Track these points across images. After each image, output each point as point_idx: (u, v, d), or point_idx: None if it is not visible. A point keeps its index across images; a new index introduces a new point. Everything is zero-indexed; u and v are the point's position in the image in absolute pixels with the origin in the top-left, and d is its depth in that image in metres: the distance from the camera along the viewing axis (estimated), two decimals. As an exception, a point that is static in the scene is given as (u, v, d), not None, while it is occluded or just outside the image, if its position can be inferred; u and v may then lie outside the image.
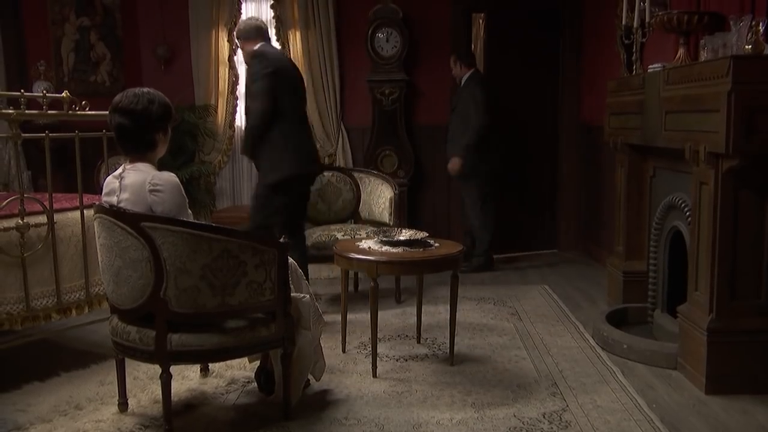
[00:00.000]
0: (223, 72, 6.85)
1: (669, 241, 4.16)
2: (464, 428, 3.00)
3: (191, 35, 6.87)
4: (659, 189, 4.37)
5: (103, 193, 2.99)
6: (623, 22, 4.68)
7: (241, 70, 6.89)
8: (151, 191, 2.82)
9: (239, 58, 6.87)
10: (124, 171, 2.94)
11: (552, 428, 2.99)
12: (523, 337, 4.27)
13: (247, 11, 6.89)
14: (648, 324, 4.32)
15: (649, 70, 4.20)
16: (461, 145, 5.91)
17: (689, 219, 3.69)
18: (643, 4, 4.39)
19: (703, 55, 3.70)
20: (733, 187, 3.31)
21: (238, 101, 6.91)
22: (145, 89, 2.96)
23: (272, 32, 6.79)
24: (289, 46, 6.74)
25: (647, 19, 4.33)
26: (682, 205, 3.85)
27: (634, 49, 4.69)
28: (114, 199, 2.91)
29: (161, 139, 2.98)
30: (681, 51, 4.02)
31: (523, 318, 4.68)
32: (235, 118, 6.93)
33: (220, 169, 7.02)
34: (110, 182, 2.98)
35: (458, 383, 3.52)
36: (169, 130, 3.02)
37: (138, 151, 2.94)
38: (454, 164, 5.96)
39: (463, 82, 6.10)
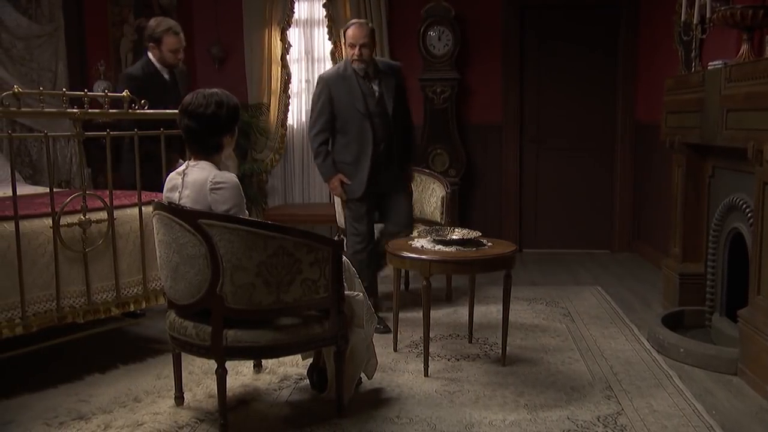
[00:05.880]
0: (276, 71, 6.91)
1: (729, 243, 4.06)
2: (517, 429, 2.98)
3: (245, 34, 6.96)
4: (719, 189, 4.26)
5: (165, 189, 3.06)
6: (682, 18, 4.58)
7: (294, 68, 6.98)
8: (212, 189, 2.87)
9: (292, 56, 6.96)
10: (187, 168, 2.99)
11: (607, 432, 2.95)
12: (576, 339, 4.21)
13: (300, 10, 6.95)
14: (705, 328, 4.22)
15: (709, 67, 4.10)
16: None
17: (751, 220, 3.59)
18: (704, -1, 4.29)
19: (768, 52, 3.59)
20: (798, 187, 3.21)
21: (290, 100, 6.97)
22: (215, 90, 2.97)
23: (324, 31, 6.86)
24: (341, 45, 6.76)
25: (708, 15, 4.22)
26: (743, 206, 3.75)
27: (693, 46, 4.59)
28: (176, 195, 2.97)
29: (228, 141, 3.02)
30: (744, 47, 3.91)
31: (576, 319, 4.62)
32: (287, 117, 6.99)
33: (272, 168, 7.10)
34: (173, 178, 3.04)
35: (510, 384, 3.50)
36: (236, 130, 3.05)
37: (204, 153, 2.98)
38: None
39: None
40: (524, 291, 5.33)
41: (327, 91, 4.39)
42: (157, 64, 4.67)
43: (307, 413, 3.18)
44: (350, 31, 4.34)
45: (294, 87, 7.04)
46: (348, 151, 4.40)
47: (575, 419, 3.07)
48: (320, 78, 4.50)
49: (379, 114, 4.39)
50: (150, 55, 4.67)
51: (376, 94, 4.40)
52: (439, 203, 5.18)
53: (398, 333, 4.05)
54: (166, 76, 4.71)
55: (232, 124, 2.99)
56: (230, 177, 2.92)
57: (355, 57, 4.32)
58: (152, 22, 4.70)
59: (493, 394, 3.36)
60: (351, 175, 4.39)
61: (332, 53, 6.82)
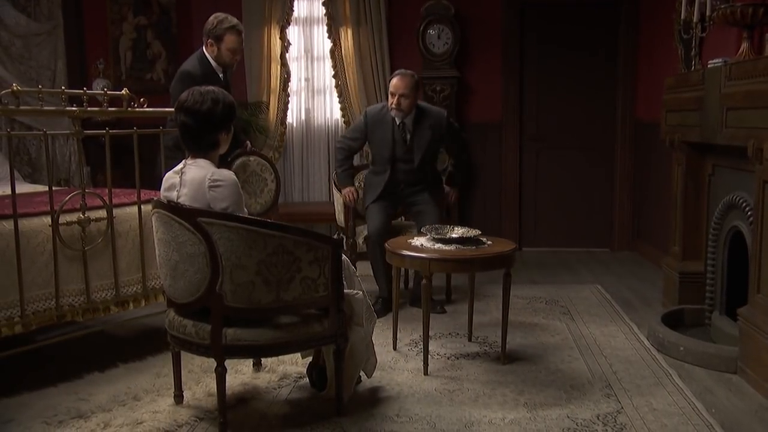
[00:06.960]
0: (275, 69, 6.89)
1: (728, 242, 4.05)
2: (517, 428, 2.98)
3: (244, 33, 6.93)
4: (718, 188, 4.26)
5: (162, 188, 3.06)
6: (682, 17, 4.57)
7: (293, 67, 6.96)
8: (210, 187, 2.87)
9: (291, 55, 6.94)
10: (185, 166, 2.99)
11: (606, 430, 2.94)
12: (576, 338, 4.21)
13: (300, 8, 6.94)
14: (705, 326, 4.22)
15: (709, 66, 4.09)
16: None
17: (751, 218, 3.59)
18: (704, -3, 4.28)
19: (768, 50, 3.59)
20: (798, 186, 3.20)
21: (289, 98, 6.96)
22: (211, 88, 3.00)
23: (323, 29, 6.85)
24: (340, 43, 6.76)
25: (708, 13, 4.22)
26: (743, 204, 3.75)
27: (693, 44, 4.58)
28: (174, 194, 2.96)
29: (224, 139, 3.03)
30: (744, 45, 3.91)
31: (576, 318, 4.62)
32: (286, 115, 6.98)
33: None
34: (170, 177, 3.03)
35: (510, 382, 3.50)
36: (232, 128, 3.06)
37: (200, 150, 2.98)
38: None
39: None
40: (524, 289, 5.33)
41: (365, 123, 4.76)
42: (213, 63, 4.42)
43: (307, 412, 3.17)
44: (393, 80, 4.56)
45: (293, 85, 7.02)
46: (374, 174, 4.84)
47: (575, 418, 3.07)
48: (365, 111, 4.88)
49: (405, 161, 4.69)
50: (205, 51, 4.42)
51: (407, 143, 4.67)
52: (439, 202, 5.17)
53: (398, 331, 4.05)
54: (221, 76, 4.45)
55: (227, 122, 3.00)
56: (228, 175, 2.92)
57: (393, 106, 4.55)
58: (213, 18, 4.39)
59: (493, 393, 3.36)
60: (367, 190, 4.88)
61: (332, 51, 6.81)
